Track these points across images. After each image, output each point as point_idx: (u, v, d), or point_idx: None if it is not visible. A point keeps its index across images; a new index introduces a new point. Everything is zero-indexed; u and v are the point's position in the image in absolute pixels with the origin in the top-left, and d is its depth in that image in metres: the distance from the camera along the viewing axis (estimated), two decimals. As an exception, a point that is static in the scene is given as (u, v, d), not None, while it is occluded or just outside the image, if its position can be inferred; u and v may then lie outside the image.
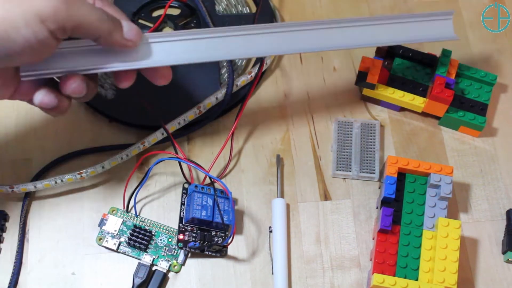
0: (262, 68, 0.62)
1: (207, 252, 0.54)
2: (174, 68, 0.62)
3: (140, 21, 0.66)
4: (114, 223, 0.55)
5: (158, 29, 0.63)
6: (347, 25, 0.50)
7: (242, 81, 0.61)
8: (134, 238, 0.54)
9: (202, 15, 0.64)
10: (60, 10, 0.39)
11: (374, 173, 0.58)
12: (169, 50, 0.47)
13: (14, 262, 0.54)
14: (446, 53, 0.60)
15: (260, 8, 0.64)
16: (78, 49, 0.44)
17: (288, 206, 0.58)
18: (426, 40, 0.52)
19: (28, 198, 0.57)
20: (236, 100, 0.62)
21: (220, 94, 0.60)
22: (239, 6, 0.66)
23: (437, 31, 0.52)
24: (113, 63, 0.45)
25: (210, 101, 0.60)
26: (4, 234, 0.56)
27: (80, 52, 0.44)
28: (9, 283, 0.53)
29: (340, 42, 0.50)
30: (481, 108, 0.60)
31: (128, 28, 0.44)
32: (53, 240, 0.56)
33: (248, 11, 0.66)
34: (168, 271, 0.54)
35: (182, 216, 0.54)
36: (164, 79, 0.48)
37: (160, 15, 0.66)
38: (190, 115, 0.59)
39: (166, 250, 0.55)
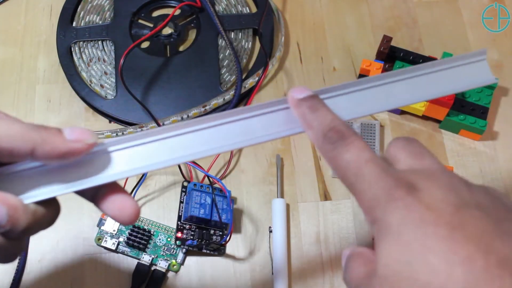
0: (267, 70, 0.62)
1: (205, 251, 0.54)
2: (173, 67, 0.63)
3: (140, 21, 0.66)
4: (113, 223, 0.55)
5: (159, 31, 0.63)
6: (365, 86, 0.37)
7: (250, 82, 0.61)
8: (133, 238, 0.54)
9: (209, 15, 0.64)
10: None
11: (374, 173, 0.58)
12: (145, 154, 0.34)
13: (18, 260, 0.54)
14: (447, 56, 0.60)
15: (266, 12, 0.64)
16: (20, 173, 0.33)
17: (288, 206, 0.58)
18: (462, 89, 0.41)
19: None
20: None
21: (228, 95, 0.60)
22: (239, 6, 0.66)
23: (472, 76, 0.42)
24: (65, 183, 0.34)
25: (217, 101, 0.60)
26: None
27: (25, 176, 0.33)
28: (11, 284, 0.53)
29: (360, 110, 0.37)
30: (481, 112, 0.60)
31: (70, 129, 0.33)
32: (53, 240, 0.56)
33: (248, 11, 0.66)
34: (167, 270, 0.54)
35: (180, 214, 0.54)
36: (126, 214, 0.34)
37: (160, 15, 0.66)
38: (194, 112, 0.59)
39: (165, 249, 0.55)
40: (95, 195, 0.34)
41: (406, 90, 0.38)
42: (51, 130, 0.32)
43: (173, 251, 0.55)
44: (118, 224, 0.55)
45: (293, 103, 0.35)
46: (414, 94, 0.38)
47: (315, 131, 0.34)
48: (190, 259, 0.55)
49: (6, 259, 0.34)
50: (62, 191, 0.33)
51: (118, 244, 0.55)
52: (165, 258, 0.54)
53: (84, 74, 0.63)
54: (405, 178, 0.30)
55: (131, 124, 0.60)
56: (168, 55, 0.64)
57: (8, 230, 0.31)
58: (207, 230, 0.54)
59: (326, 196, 0.58)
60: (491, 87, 0.61)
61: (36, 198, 0.33)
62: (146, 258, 0.54)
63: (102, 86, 0.62)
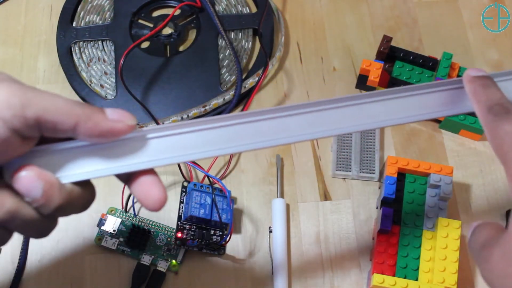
0: (267, 70, 0.62)
1: (205, 251, 0.54)
2: (173, 67, 0.63)
3: (140, 21, 0.66)
4: (113, 223, 0.55)
5: (159, 31, 0.63)
6: (393, 96, 0.39)
7: (250, 82, 0.61)
8: (133, 238, 0.54)
9: (209, 15, 0.64)
10: (14, 97, 0.31)
11: (374, 173, 0.58)
12: (178, 144, 0.35)
13: (18, 262, 0.54)
14: (447, 56, 0.60)
15: (266, 12, 0.64)
16: (64, 149, 0.34)
17: (288, 206, 0.58)
18: None
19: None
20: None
21: (228, 95, 0.60)
22: (239, 6, 0.66)
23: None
24: (109, 164, 0.34)
25: (217, 101, 0.60)
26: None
27: (65, 156, 0.34)
28: (11, 284, 0.53)
29: (391, 116, 0.39)
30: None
31: (112, 110, 0.34)
32: (53, 240, 0.56)
33: (248, 11, 0.66)
34: (167, 270, 0.54)
35: (180, 214, 0.54)
36: (153, 201, 0.35)
37: (160, 15, 0.66)
38: (194, 112, 0.59)
39: (165, 249, 0.55)
40: (128, 178, 0.35)
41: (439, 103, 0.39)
42: (94, 108, 0.33)
43: (173, 251, 0.55)
44: (118, 224, 0.55)
45: (467, 78, 0.39)
46: (436, 109, 0.39)
47: (482, 104, 0.37)
48: (190, 259, 0.55)
49: (39, 235, 0.35)
50: (98, 174, 0.34)
51: (118, 244, 0.55)
52: (165, 258, 0.54)
53: (84, 74, 0.63)
54: None
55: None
56: (168, 55, 0.64)
57: (42, 205, 0.32)
58: (207, 230, 0.54)
59: (326, 196, 0.58)
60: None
61: (73, 178, 0.34)
62: (146, 258, 0.54)
63: (102, 86, 0.62)
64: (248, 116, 0.36)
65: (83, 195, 0.35)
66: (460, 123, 0.59)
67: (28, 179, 0.32)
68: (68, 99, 0.33)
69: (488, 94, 0.37)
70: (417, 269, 0.52)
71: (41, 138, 0.34)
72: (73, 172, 0.34)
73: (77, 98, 0.62)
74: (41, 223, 0.34)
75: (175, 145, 0.35)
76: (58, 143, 0.34)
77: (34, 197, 0.32)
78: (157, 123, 0.58)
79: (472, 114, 0.59)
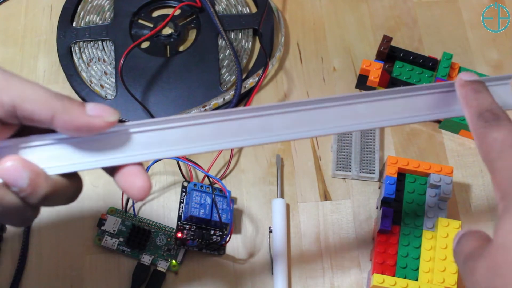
0: (267, 70, 0.62)
1: (205, 251, 0.54)
2: (173, 67, 0.63)
3: (140, 21, 0.66)
4: (113, 223, 0.55)
5: (159, 31, 0.63)
6: (390, 97, 0.38)
7: (250, 83, 0.61)
8: (133, 238, 0.54)
9: (209, 15, 0.64)
10: None
11: (374, 173, 0.58)
12: (162, 138, 0.36)
13: (18, 262, 0.54)
14: (447, 56, 0.60)
15: (266, 12, 0.64)
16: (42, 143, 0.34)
17: (288, 206, 0.57)
18: None
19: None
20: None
21: (228, 95, 0.60)
22: (239, 6, 0.66)
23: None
24: (84, 159, 0.34)
25: (217, 101, 0.60)
26: (4, 234, 0.55)
27: (50, 148, 0.34)
28: (11, 284, 0.53)
29: (390, 117, 0.39)
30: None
31: (93, 105, 0.34)
32: (53, 240, 0.56)
33: (248, 11, 0.66)
34: (167, 270, 0.54)
35: (180, 214, 0.54)
36: (137, 190, 0.34)
37: (160, 15, 0.66)
38: (194, 112, 0.59)
39: (165, 249, 0.55)
40: (113, 169, 0.35)
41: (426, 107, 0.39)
42: (74, 102, 0.33)
43: (173, 251, 0.55)
44: (118, 224, 0.55)
45: (459, 82, 0.38)
46: (434, 110, 0.39)
47: (473, 109, 0.37)
48: (190, 259, 0.55)
49: (22, 223, 0.35)
50: (82, 167, 0.34)
51: (118, 244, 0.55)
52: (165, 258, 0.54)
53: (84, 74, 0.63)
54: None
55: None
56: (168, 55, 0.64)
57: (28, 195, 0.32)
58: (207, 230, 0.54)
59: (326, 196, 0.58)
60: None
61: (57, 170, 0.34)
62: (146, 258, 0.54)
63: (102, 86, 0.62)
64: (232, 114, 0.36)
65: (69, 186, 0.35)
66: (460, 123, 0.59)
67: (14, 168, 0.32)
68: (49, 90, 0.33)
69: (479, 99, 0.37)
70: (417, 269, 0.52)
71: (25, 128, 0.34)
72: (57, 164, 0.34)
73: (77, 98, 0.62)
74: (23, 212, 0.34)
75: (160, 140, 0.35)
76: (43, 134, 0.34)
77: (20, 186, 0.32)
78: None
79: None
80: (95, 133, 0.33)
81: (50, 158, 0.34)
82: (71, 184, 0.35)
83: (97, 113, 0.33)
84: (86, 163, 0.34)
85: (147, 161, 0.35)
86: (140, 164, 0.35)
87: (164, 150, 0.35)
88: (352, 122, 0.38)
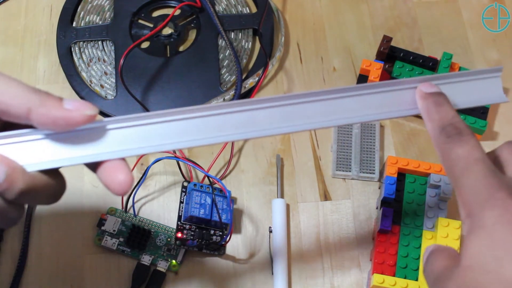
0: (267, 70, 0.62)
1: (205, 251, 0.54)
2: (173, 67, 0.63)
3: (140, 21, 0.66)
4: (113, 223, 0.55)
5: (159, 31, 0.63)
6: (372, 91, 0.38)
7: (250, 83, 0.61)
8: (133, 238, 0.54)
9: (209, 15, 0.64)
10: None
11: (374, 174, 0.58)
12: (138, 135, 0.35)
13: (18, 262, 0.54)
14: (447, 56, 0.60)
15: (266, 12, 0.64)
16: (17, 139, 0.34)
17: (288, 206, 0.57)
18: (471, 105, 0.40)
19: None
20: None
21: (228, 95, 0.60)
22: (239, 6, 0.66)
23: (482, 93, 0.41)
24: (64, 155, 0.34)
25: (217, 101, 0.60)
26: (3, 234, 0.55)
27: (29, 144, 0.34)
28: (11, 284, 0.53)
29: (372, 111, 0.38)
30: (481, 112, 0.60)
31: (71, 99, 0.33)
32: (53, 240, 0.56)
33: (248, 11, 0.66)
34: (167, 270, 0.54)
35: (180, 214, 0.54)
36: (118, 184, 0.34)
37: (160, 15, 0.66)
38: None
39: (165, 250, 0.55)
40: (95, 165, 0.35)
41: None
42: (51, 96, 0.33)
43: (173, 251, 0.55)
44: (118, 224, 0.55)
45: (420, 95, 0.37)
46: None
47: (435, 123, 0.36)
48: (190, 259, 0.55)
49: (5, 224, 0.34)
50: (61, 163, 0.34)
51: (118, 244, 0.55)
52: (165, 258, 0.54)
53: (84, 74, 0.63)
54: (510, 183, 0.32)
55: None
56: (168, 55, 0.64)
57: (5, 190, 0.32)
58: (207, 230, 0.54)
59: (326, 196, 0.58)
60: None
61: (37, 167, 0.33)
62: (146, 258, 0.54)
63: (102, 86, 0.62)
64: (212, 109, 0.36)
65: (50, 184, 0.34)
66: (460, 123, 0.59)
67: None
68: (25, 85, 0.32)
69: (441, 112, 0.36)
70: (417, 269, 0.52)
71: (7, 125, 0.33)
72: (36, 160, 0.33)
73: (77, 98, 0.62)
74: (5, 212, 0.33)
75: (142, 135, 0.35)
76: (21, 130, 0.33)
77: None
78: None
79: (471, 114, 0.59)
80: (74, 127, 0.33)
81: (28, 154, 0.33)
82: (53, 182, 0.34)
83: (75, 107, 0.32)
84: (65, 159, 0.34)
85: (129, 157, 0.35)
86: (122, 159, 0.35)
87: (147, 145, 0.35)
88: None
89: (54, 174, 0.34)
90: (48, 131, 0.33)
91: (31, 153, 0.34)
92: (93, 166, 0.35)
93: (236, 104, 0.36)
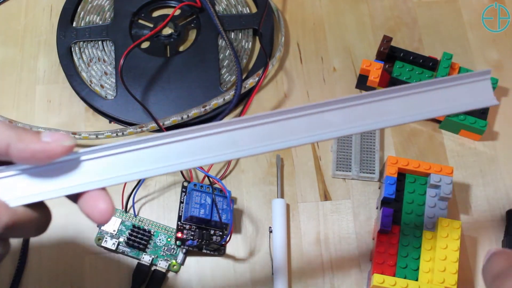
0: (267, 70, 0.62)
1: (205, 251, 0.54)
2: (173, 67, 0.63)
3: (140, 21, 0.66)
4: (113, 223, 0.55)
5: (159, 31, 0.63)
6: (359, 102, 0.37)
7: (250, 83, 0.61)
8: (133, 238, 0.54)
9: (209, 15, 0.64)
10: None
11: (374, 174, 0.58)
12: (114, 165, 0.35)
13: (18, 262, 0.54)
14: (447, 56, 0.60)
15: (266, 12, 0.64)
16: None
17: (288, 206, 0.57)
18: (460, 110, 0.39)
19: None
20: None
21: (228, 95, 0.60)
22: (239, 6, 0.66)
23: (472, 97, 0.40)
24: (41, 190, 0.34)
25: (217, 101, 0.60)
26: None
27: (9, 180, 0.34)
28: (11, 284, 0.53)
29: (358, 124, 0.37)
30: (481, 112, 0.60)
31: (49, 132, 0.33)
32: (53, 240, 0.56)
33: (248, 11, 0.66)
34: (167, 271, 0.54)
35: (180, 214, 0.54)
36: (99, 214, 0.34)
37: (160, 15, 0.66)
38: (194, 112, 0.59)
39: (165, 250, 0.55)
40: (76, 196, 0.35)
41: (401, 108, 0.38)
42: (28, 130, 0.33)
43: (173, 251, 0.55)
44: (118, 224, 0.55)
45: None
46: (409, 112, 0.38)
47: None
48: (190, 259, 0.55)
49: None
50: (44, 196, 0.34)
51: (118, 244, 0.55)
52: (165, 258, 0.54)
53: (84, 74, 0.63)
54: None
55: (131, 124, 0.60)
56: (168, 55, 0.64)
57: None
58: (207, 230, 0.54)
59: (326, 196, 0.58)
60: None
61: (19, 202, 0.33)
62: (146, 258, 0.54)
63: (102, 86, 0.62)
64: (191, 132, 0.35)
65: (35, 217, 0.34)
66: (460, 123, 0.59)
67: None
68: (2, 122, 0.33)
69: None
70: (417, 269, 0.52)
71: None
72: (18, 195, 0.33)
73: (77, 98, 0.62)
74: None
75: (120, 164, 0.35)
76: (2, 166, 0.33)
77: None
78: (157, 123, 0.58)
79: (471, 114, 0.59)
80: (53, 159, 0.33)
81: (10, 189, 0.33)
82: (36, 214, 0.34)
83: (52, 139, 0.33)
84: (46, 192, 0.34)
85: (109, 186, 0.35)
86: (103, 188, 0.35)
87: (127, 173, 0.35)
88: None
89: (38, 206, 0.34)
90: (28, 165, 0.33)
91: (13, 188, 0.33)
92: (74, 197, 0.35)
93: (208, 128, 0.35)
